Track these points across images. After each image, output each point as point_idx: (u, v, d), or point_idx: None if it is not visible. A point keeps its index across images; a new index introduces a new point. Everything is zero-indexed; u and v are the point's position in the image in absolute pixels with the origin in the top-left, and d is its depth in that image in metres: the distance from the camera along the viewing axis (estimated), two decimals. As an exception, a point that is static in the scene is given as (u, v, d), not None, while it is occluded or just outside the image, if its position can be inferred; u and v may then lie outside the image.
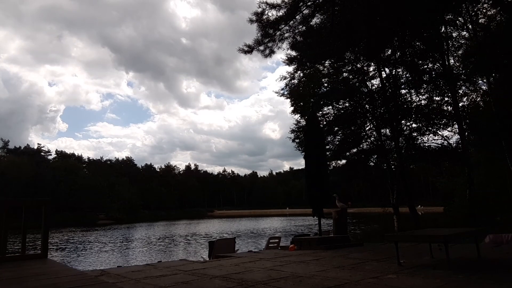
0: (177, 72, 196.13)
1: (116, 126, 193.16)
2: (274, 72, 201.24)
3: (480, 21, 15.18)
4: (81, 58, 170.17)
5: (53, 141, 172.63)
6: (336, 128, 19.19)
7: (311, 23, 12.54)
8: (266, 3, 11.42)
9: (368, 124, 19.05)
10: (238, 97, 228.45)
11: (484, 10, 14.55)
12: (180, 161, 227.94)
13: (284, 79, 19.20)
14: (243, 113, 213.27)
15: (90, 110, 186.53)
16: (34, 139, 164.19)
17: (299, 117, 19.46)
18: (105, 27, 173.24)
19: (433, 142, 17.98)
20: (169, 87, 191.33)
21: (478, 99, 17.73)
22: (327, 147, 18.18)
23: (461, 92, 17.30)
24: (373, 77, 18.54)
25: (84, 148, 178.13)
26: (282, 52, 15.03)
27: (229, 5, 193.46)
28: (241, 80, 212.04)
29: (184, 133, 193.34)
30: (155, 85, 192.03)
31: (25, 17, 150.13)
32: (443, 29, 15.86)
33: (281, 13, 11.52)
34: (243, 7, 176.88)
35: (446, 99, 17.19)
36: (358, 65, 18.17)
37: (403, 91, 18.22)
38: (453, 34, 16.53)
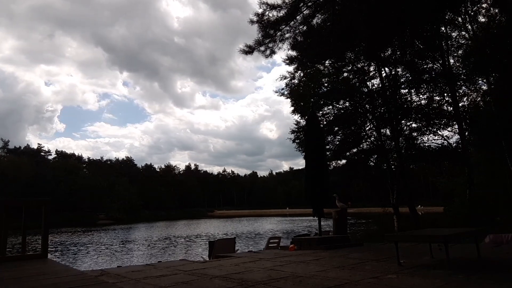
0: (171, 72, 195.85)
1: (114, 126, 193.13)
2: (270, 72, 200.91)
3: (480, 20, 15.19)
4: (76, 58, 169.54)
5: (50, 141, 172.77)
6: (336, 128, 19.20)
7: (311, 23, 12.55)
8: (267, 3, 11.42)
9: (368, 124, 19.07)
10: (234, 97, 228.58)
11: (484, 10, 14.55)
12: (179, 161, 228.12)
13: (284, 78, 19.23)
14: (240, 113, 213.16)
15: (87, 110, 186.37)
16: (32, 139, 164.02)
17: (299, 117, 19.48)
18: (98, 27, 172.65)
19: (433, 142, 18.01)
20: (163, 86, 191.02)
21: (478, 99, 17.73)
22: (327, 147, 18.19)
23: (461, 92, 17.31)
24: (373, 77, 18.57)
25: (82, 148, 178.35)
26: (282, 52, 15.08)
27: (221, 4, 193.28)
28: (236, 79, 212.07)
29: (181, 133, 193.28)
30: (150, 85, 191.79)
31: (17, 16, 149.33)
32: (443, 29, 15.87)
33: (281, 14, 11.53)
34: (235, 6, 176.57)
35: (446, 99, 17.20)
36: (359, 65, 18.18)
37: (403, 91, 18.26)
38: (452, 34, 16.55)
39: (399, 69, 17.65)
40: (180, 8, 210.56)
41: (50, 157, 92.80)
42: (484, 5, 14.00)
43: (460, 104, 16.70)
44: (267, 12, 11.56)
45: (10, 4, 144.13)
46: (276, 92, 21.52)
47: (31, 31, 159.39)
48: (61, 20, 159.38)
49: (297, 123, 19.52)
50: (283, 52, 14.97)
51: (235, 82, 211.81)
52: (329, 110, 19.11)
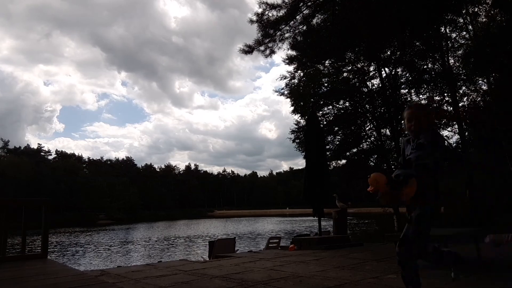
0: (169, 72, 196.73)
1: (113, 126, 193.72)
2: (268, 72, 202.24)
3: (480, 20, 15.18)
4: (74, 58, 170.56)
5: (50, 141, 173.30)
6: (336, 128, 19.19)
7: (311, 23, 12.55)
8: (266, 3, 11.42)
9: (368, 124, 19.06)
10: (233, 97, 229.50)
11: (484, 11, 14.54)
12: (178, 161, 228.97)
13: (284, 78, 19.22)
14: (238, 113, 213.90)
15: (87, 110, 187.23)
16: (31, 139, 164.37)
17: (299, 117, 19.48)
18: (96, 27, 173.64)
19: (433, 142, 17.98)
20: (162, 86, 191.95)
21: (478, 99, 17.71)
22: (327, 147, 18.18)
23: (461, 92, 17.30)
24: (373, 77, 18.57)
25: (81, 148, 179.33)
26: (281, 52, 15.10)
27: (219, 3, 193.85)
28: (235, 79, 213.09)
29: (180, 133, 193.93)
30: (148, 84, 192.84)
31: (14, 16, 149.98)
32: (443, 29, 15.86)
33: (281, 13, 11.53)
34: (233, 6, 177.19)
35: (446, 99, 17.19)
36: (359, 65, 18.17)
37: (403, 91, 18.25)
38: (452, 34, 16.54)
39: (399, 69, 17.65)
40: (177, 8, 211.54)
41: (50, 157, 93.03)
42: (484, 6, 13.99)
43: (460, 104, 16.68)
44: (266, 12, 11.56)
45: (7, 4, 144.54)
46: (276, 92, 21.50)
47: (29, 31, 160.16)
48: (58, 20, 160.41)
49: (297, 123, 19.54)
50: (282, 52, 15.00)
51: (233, 82, 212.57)
52: (329, 110, 19.11)
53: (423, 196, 2.68)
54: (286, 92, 19.49)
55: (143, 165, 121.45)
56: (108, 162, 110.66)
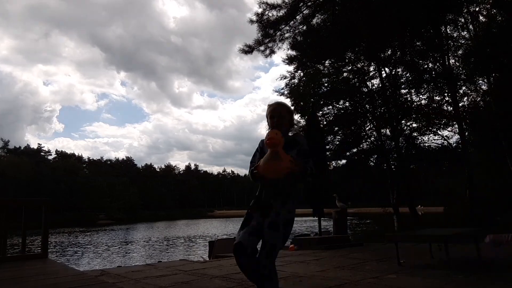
0: (168, 71, 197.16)
1: (112, 126, 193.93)
2: (268, 72, 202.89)
3: (481, 20, 15.18)
4: (73, 57, 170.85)
5: (49, 141, 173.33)
6: (336, 128, 19.19)
7: (311, 23, 12.57)
8: (266, 3, 11.45)
9: (368, 124, 19.05)
10: (232, 96, 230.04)
11: (485, 11, 14.54)
12: (178, 161, 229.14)
13: (284, 78, 19.22)
14: (238, 113, 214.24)
15: (86, 110, 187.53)
16: (30, 139, 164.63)
17: (299, 117, 19.47)
18: (95, 27, 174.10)
19: (433, 142, 18.00)
20: (161, 86, 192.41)
21: (478, 99, 17.71)
22: (327, 147, 18.17)
23: (461, 92, 17.29)
24: (373, 77, 18.56)
25: (80, 148, 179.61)
26: (281, 52, 15.13)
27: (217, 3, 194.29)
28: (234, 79, 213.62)
29: (180, 133, 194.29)
30: (147, 84, 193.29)
31: (12, 16, 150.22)
32: (443, 29, 15.85)
33: (281, 13, 11.55)
34: (231, 5, 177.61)
35: (446, 99, 17.18)
36: (359, 65, 18.16)
37: (403, 91, 18.24)
38: (453, 34, 16.53)
39: (399, 69, 17.64)
40: (176, 8, 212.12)
41: (50, 157, 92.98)
42: (485, 6, 14.00)
43: (460, 104, 16.68)
44: (266, 12, 11.60)
45: (5, 4, 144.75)
46: (275, 92, 21.49)
47: (27, 30, 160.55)
48: (56, 20, 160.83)
49: (297, 123, 19.52)
50: (282, 52, 15.00)
51: (232, 82, 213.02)
52: (329, 110, 19.09)
53: (290, 198, 2.72)
54: (286, 92, 19.48)
55: (143, 165, 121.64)
56: (108, 162, 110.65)
